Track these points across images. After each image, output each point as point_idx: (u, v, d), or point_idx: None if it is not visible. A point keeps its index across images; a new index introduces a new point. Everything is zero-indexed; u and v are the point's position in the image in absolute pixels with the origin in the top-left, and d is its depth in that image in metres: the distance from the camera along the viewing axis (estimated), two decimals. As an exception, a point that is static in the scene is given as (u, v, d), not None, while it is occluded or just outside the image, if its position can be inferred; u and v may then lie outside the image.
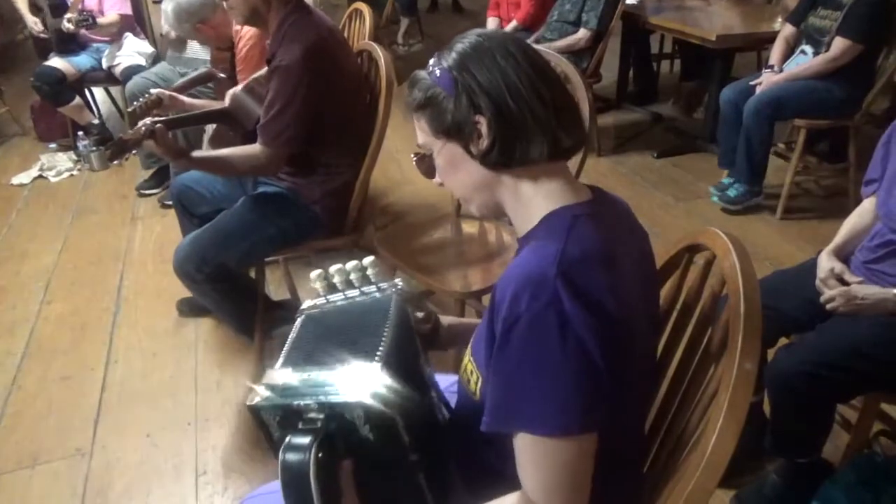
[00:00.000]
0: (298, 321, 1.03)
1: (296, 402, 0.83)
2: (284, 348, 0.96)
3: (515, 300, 0.78)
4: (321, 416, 0.82)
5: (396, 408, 0.83)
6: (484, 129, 0.87)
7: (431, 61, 0.91)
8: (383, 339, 0.90)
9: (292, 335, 0.99)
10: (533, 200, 0.90)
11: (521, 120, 0.85)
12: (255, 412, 0.86)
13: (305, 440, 0.79)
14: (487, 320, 0.86)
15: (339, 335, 0.96)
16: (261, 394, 0.85)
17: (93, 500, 1.83)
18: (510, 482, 0.85)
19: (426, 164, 0.97)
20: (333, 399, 0.82)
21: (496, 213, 0.96)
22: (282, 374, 0.88)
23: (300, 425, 0.82)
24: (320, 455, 0.78)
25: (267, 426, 0.87)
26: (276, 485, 1.02)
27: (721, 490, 1.71)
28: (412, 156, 0.99)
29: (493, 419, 0.83)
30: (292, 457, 0.78)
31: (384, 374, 0.84)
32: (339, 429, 0.82)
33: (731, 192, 3.13)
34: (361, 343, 0.90)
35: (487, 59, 0.86)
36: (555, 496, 0.80)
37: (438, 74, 0.88)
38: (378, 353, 0.87)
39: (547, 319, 0.76)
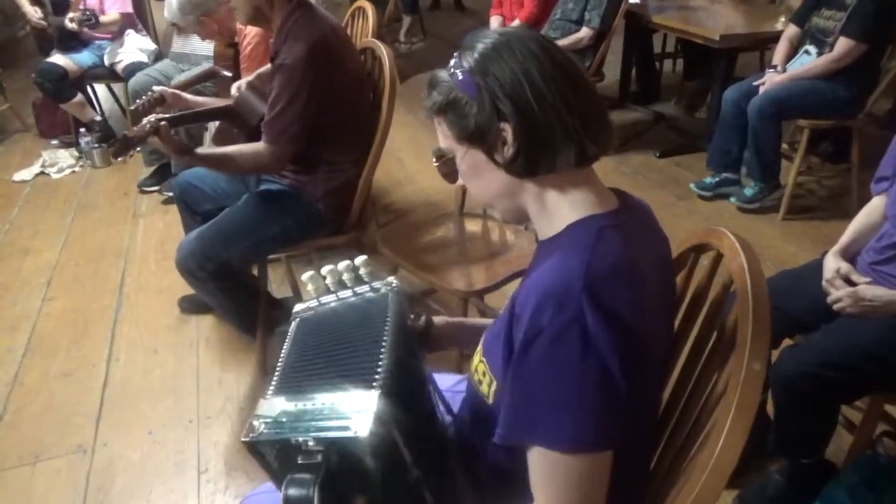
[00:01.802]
0: (293, 326, 1.01)
1: (293, 438, 0.81)
2: (276, 370, 0.93)
3: (538, 313, 0.76)
4: (321, 448, 0.80)
5: (398, 433, 0.81)
6: (509, 136, 0.83)
7: (452, 62, 0.87)
8: (382, 353, 0.87)
9: (284, 351, 0.96)
10: (558, 209, 0.88)
11: (546, 128, 0.82)
12: (251, 447, 0.84)
13: (308, 476, 0.77)
14: (505, 325, 0.83)
15: (335, 345, 0.93)
16: (256, 428, 0.83)
17: (94, 497, 1.83)
18: (520, 483, 0.85)
19: (448, 169, 0.93)
20: (333, 435, 0.79)
21: (519, 219, 0.94)
22: (276, 404, 0.85)
23: (300, 459, 0.80)
24: (324, 491, 0.77)
25: (264, 458, 0.85)
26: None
27: (724, 490, 1.71)
28: (433, 161, 0.95)
29: (507, 432, 0.82)
30: (295, 493, 0.77)
31: (383, 403, 0.81)
32: (340, 461, 0.80)
33: (748, 191, 3.12)
34: (360, 356, 0.87)
35: (511, 61, 0.82)
36: None
37: (460, 77, 0.85)
38: (377, 376, 0.84)
39: (570, 335, 0.75)
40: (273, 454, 0.84)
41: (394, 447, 0.81)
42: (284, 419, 0.83)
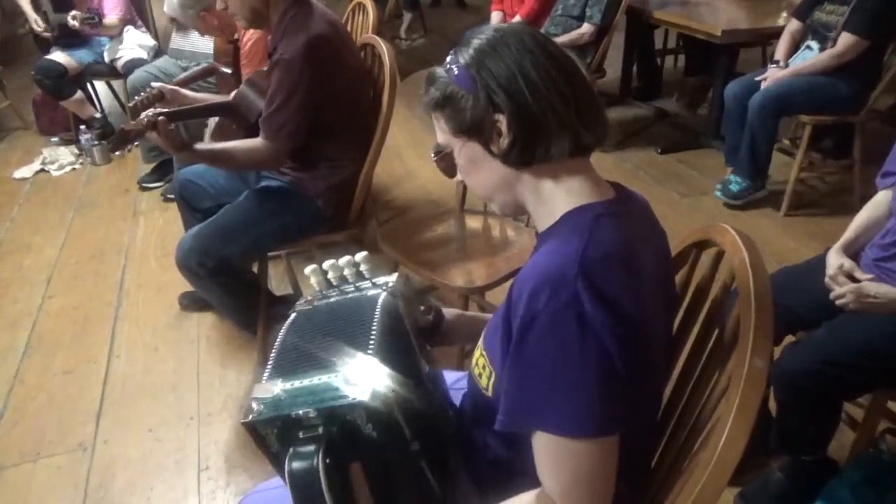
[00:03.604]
0: (290, 319, 1.02)
1: (293, 412, 0.81)
2: (271, 356, 0.94)
3: (534, 298, 0.77)
4: (321, 421, 0.80)
5: (397, 402, 0.82)
6: (504, 127, 0.85)
7: (448, 58, 0.89)
8: (373, 333, 0.89)
9: (279, 338, 0.97)
10: (554, 198, 0.88)
11: (541, 118, 0.83)
12: (251, 428, 0.84)
13: (310, 447, 0.78)
14: (503, 316, 0.84)
15: (326, 334, 0.94)
16: (255, 409, 0.83)
17: (95, 495, 1.83)
18: (522, 477, 0.85)
19: (446, 163, 0.95)
20: (333, 403, 0.80)
21: (518, 212, 0.95)
22: (272, 386, 0.86)
23: (301, 434, 0.80)
24: (327, 461, 0.77)
25: (265, 440, 0.85)
26: (279, 481, 1.01)
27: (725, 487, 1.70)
28: (432, 155, 0.96)
29: (507, 418, 0.82)
30: (299, 465, 0.77)
31: (382, 367, 0.83)
32: (341, 431, 0.81)
33: (734, 187, 3.12)
34: (351, 339, 0.89)
35: (506, 55, 0.84)
36: (575, 496, 0.79)
37: (456, 72, 0.86)
38: (370, 345, 0.86)
39: (566, 319, 0.75)
40: (274, 434, 0.84)
41: (392, 417, 0.82)
42: (283, 397, 0.84)
